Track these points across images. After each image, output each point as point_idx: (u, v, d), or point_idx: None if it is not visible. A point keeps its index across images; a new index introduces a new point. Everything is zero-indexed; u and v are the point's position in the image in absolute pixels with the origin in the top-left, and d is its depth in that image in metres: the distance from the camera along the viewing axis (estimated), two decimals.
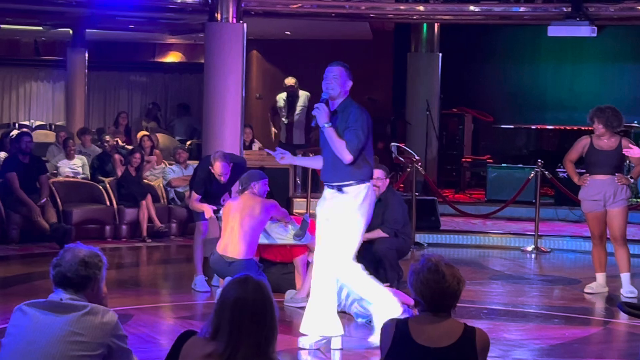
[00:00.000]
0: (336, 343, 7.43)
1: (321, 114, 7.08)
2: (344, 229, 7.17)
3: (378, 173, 9.81)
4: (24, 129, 15.28)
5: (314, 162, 7.74)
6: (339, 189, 7.17)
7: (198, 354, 3.60)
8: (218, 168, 9.55)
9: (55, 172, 14.23)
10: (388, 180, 9.91)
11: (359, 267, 7.37)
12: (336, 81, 7.18)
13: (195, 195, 9.77)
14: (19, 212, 12.56)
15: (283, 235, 9.41)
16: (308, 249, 9.51)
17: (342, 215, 7.17)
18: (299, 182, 15.56)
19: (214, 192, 9.77)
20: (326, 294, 7.35)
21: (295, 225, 9.51)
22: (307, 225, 9.48)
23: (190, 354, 3.65)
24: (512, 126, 17.94)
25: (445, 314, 4.13)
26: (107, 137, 15.20)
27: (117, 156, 14.48)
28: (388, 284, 8.96)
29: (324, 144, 7.26)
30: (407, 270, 10.08)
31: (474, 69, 18.99)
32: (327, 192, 7.30)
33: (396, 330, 4.10)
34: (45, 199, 12.69)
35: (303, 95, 16.08)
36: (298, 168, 15.48)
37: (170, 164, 14.81)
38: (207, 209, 9.61)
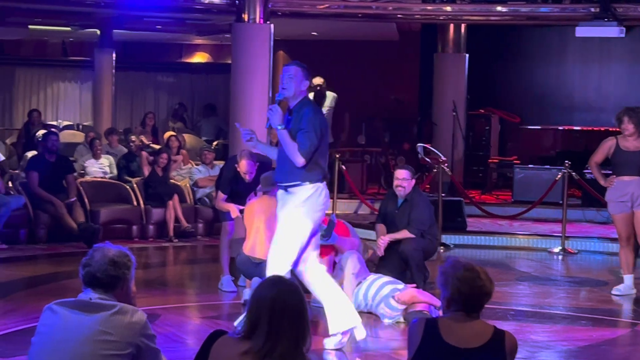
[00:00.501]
0: (360, 333, 7.37)
1: (274, 116, 7.00)
2: (287, 229, 7.09)
3: (403, 174, 9.81)
4: (52, 129, 15.33)
5: (273, 154, 7.57)
6: (286, 189, 7.13)
7: (232, 352, 3.64)
8: (244, 166, 9.55)
9: (82, 172, 14.30)
10: (414, 180, 9.90)
11: (324, 268, 7.31)
12: (291, 81, 7.06)
13: (221, 195, 9.79)
14: (47, 211, 12.62)
15: None
16: (335, 249, 9.52)
17: (286, 215, 7.11)
18: None
19: (240, 192, 9.78)
20: (330, 290, 7.33)
21: (322, 225, 9.51)
22: (333, 226, 9.47)
23: (222, 352, 3.68)
24: (539, 127, 17.89)
25: (476, 314, 4.14)
26: (133, 137, 15.26)
27: (144, 154, 14.51)
28: (414, 285, 8.97)
29: (279, 144, 7.20)
30: (433, 271, 10.09)
31: (501, 69, 18.93)
32: (279, 192, 7.26)
33: (425, 329, 4.11)
34: (73, 198, 12.76)
35: (330, 95, 16.10)
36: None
37: (196, 164, 14.86)
38: (233, 209, 9.62)
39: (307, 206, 7.06)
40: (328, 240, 9.38)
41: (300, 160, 6.95)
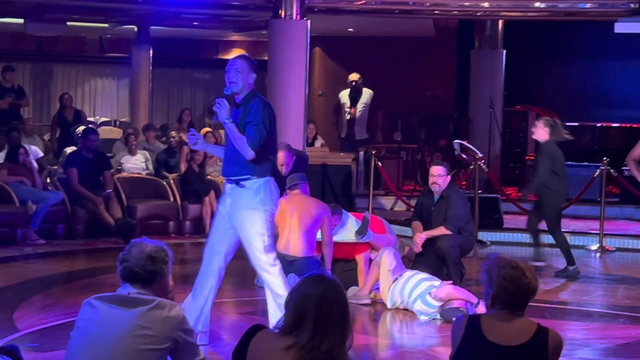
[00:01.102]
0: (202, 339, 7.16)
1: (221, 109, 6.90)
2: (251, 225, 7.01)
3: (438, 170, 9.77)
4: (91, 126, 15.43)
5: (220, 153, 7.45)
6: (238, 183, 7.07)
7: (273, 346, 3.65)
8: (280, 158, 9.54)
9: (119, 168, 14.37)
10: (449, 177, 9.85)
11: (279, 266, 7.26)
12: (239, 75, 6.95)
13: None
14: (85, 207, 12.70)
15: (344, 234, 9.40)
16: (371, 246, 9.51)
17: (245, 211, 7.01)
18: (361, 179, 15.55)
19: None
20: (207, 289, 7.26)
21: (357, 222, 9.51)
22: (367, 223, 9.47)
23: (262, 347, 3.69)
24: (576, 124, 17.73)
25: (520, 312, 4.12)
26: (173, 133, 15.31)
27: (185, 149, 14.54)
28: (451, 281, 8.94)
29: (226, 137, 7.15)
30: (470, 267, 10.06)
31: (538, 65, 18.82)
32: (227, 186, 7.14)
33: (467, 326, 4.09)
34: (110, 190, 12.84)
35: (366, 92, 16.10)
36: (360, 165, 15.48)
37: None
38: None
39: (261, 198, 6.97)
40: (364, 237, 9.38)
41: (250, 153, 6.86)
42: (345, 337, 3.68)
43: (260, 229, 7.00)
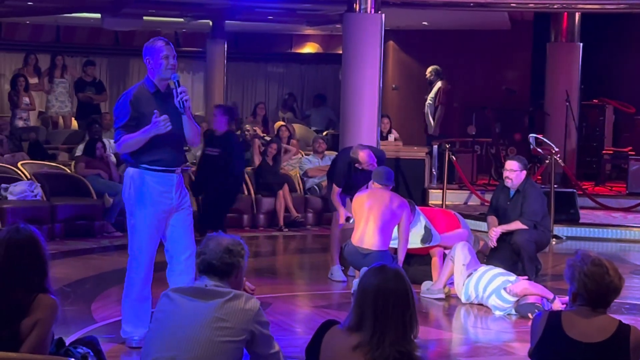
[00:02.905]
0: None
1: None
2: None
3: (512, 165, 9.69)
4: None
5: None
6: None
7: (343, 345, 3.63)
8: (364, 157, 9.52)
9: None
10: (524, 172, 9.74)
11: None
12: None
13: (335, 188, 9.79)
14: None
15: (411, 238, 9.27)
16: (442, 246, 9.47)
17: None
18: (435, 172, 15.49)
19: (354, 184, 9.78)
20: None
21: (427, 223, 9.46)
22: (429, 231, 9.41)
23: (333, 344, 3.68)
24: None
25: (602, 309, 4.06)
26: (248, 127, 15.38)
27: (257, 142, 14.61)
28: (526, 277, 8.87)
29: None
30: (545, 262, 9.96)
31: (615, 58, 18.55)
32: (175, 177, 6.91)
33: (548, 322, 4.04)
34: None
35: (435, 87, 16.11)
36: (434, 159, 15.42)
37: (307, 154, 14.93)
38: (342, 214, 9.67)
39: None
40: (430, 243, 9.36)
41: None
42: (408, 328, 3.60)
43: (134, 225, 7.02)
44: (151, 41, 6.86)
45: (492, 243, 9.63)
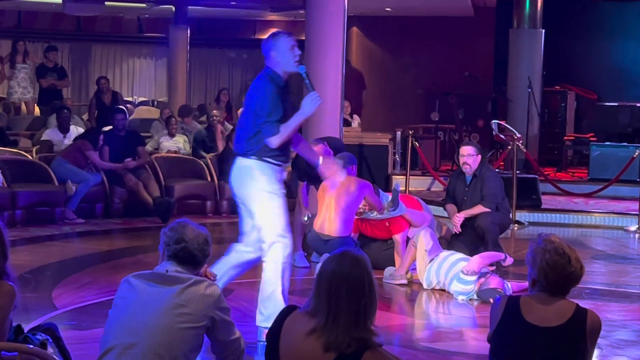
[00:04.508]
0: None
1: None
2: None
3: (469, 150, 9.73)
4: (120, 106, 15.51)
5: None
6: None
7: (301, 330, 3.62)
8: (319, 150, 9.53)
9: (157, 148, 14.44)
10: (480, 156, 9.78)
11: None
12: None
13: (300, 183, 9.84)
14: (124, 185, 12.75)
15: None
16: (408, 225, 9.49)
17: None
18: (397, 159, 15.52)
19: (317, 176, 9.78)
20: None
21: (388, 197, 9.50)
22: (398, 194, 9.43)
23: (293, 329, 3.67)
24: (616, 104, 17.57)
25: (561, 296, 4.08)
26: (215, 112, 15.36)
27: (219, 127, 14.57)
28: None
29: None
30: (507, 249, 10.01)
31: (577, 45, 18.65)
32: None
33: (506, 307, 4.06)
34: (144, 161, 12.95)
35: None
36: (397, 145, 15.44)
37: None
38: (303, 212, 9.71)
39: None
40: (395, 210, 9.36)
41: None
42: (363, 314, 3.56)
43: None
44: (273, 34, 6.79)
45: (457, 229, 9.66)
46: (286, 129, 6.55)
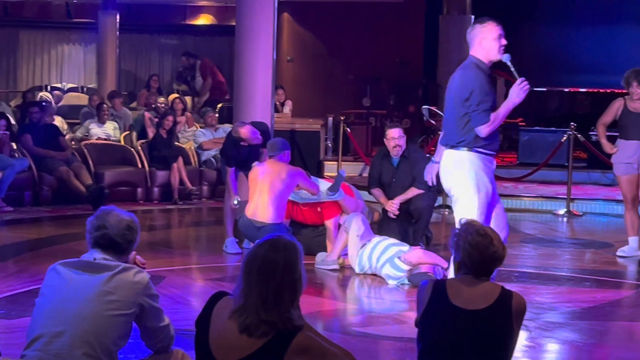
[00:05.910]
0: None
1: None
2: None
3: (398, 132, 9.75)
4: (37, 99, 15.31)
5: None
6: None
7: (224, 315, 3.65)
8: (246, 134, 9.56)
9: (87, 135, 14.29)
10: (405, 137, 9.84)
11: None
12: None
13: (228, 168, 9.83)
14: (54, 173, 12.61)
15: (314, 196, 9.37)
16: (340, 211, 9.51)
17: None
18: (329, 145, 15.54)
19: (244, 161, 9.78)
20: None
21: (327, 184, 9.52)
22: (341, 180, 9.46)
23: (221, 314, 3.68)
24: (544, 89, 17.80)
25: (485, 277, 4.13)
26: (161, 99, 15.27)
27: (147, 115, 14.50)
28: (419, 246, 8.97)
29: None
30: (438, 233, 10.09)
31: (506, 30, 18.65)
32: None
33: (433, 291, 4.10)
34: (69, 154, 12.84)
35: None
36: (329, 131, 15.46)
37: (200, 127, 14.84)
38: (233, 198, 9.70)
39: None
40: (334, 195, 9.38)
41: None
42: (279, 298, 3.57)
43: None
44: (480, 20, 6.76)
45: (394, 215, 9.66)
46: (496, 118, 6.54)
